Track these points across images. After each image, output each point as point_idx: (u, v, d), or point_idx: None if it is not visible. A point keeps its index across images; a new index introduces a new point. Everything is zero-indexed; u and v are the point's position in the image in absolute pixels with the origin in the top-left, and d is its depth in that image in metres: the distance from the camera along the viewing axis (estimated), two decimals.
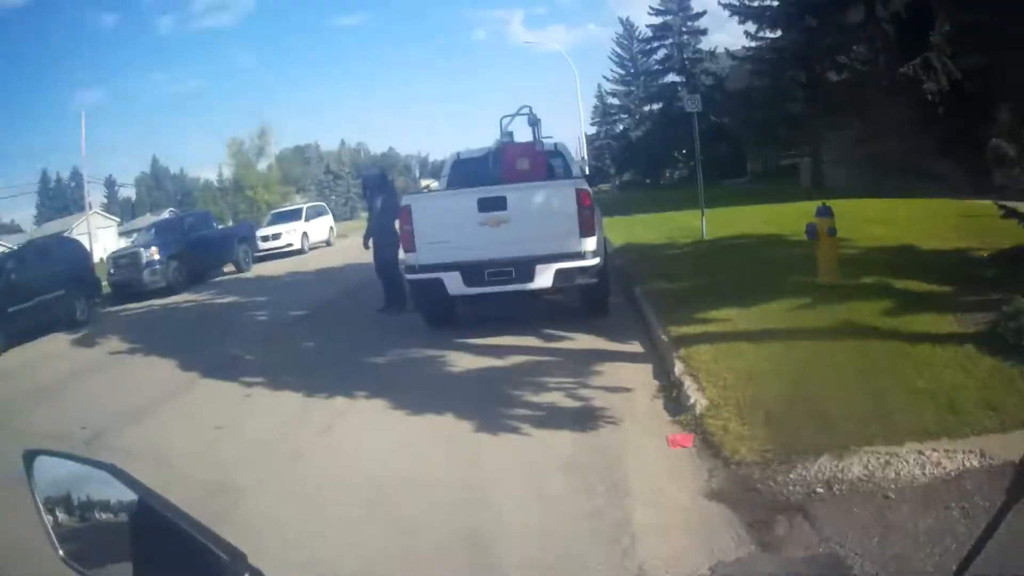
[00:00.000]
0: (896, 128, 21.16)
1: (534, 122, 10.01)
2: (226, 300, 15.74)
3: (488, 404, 5.78)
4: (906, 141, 20.43)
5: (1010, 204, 7.32)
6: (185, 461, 5.44)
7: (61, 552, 1.20)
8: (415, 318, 9.17)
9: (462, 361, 7.44)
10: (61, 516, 1.25)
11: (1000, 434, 3.92)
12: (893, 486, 3.66)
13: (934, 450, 3.82)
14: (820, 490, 3.73)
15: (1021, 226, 7.06)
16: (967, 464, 3.72)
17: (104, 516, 1.23)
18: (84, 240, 25.12)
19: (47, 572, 1.35)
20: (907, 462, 3.77)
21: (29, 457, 1.31)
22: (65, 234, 40.97)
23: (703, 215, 14.20)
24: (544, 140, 10.01)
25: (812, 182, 27.88)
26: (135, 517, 1.15)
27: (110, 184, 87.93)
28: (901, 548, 3.09)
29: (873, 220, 13.19)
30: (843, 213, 9.56)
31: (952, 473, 3.68)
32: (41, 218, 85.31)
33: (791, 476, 3.87)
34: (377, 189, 11.16)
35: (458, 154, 11.10)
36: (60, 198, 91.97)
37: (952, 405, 4.30)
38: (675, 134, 45.41)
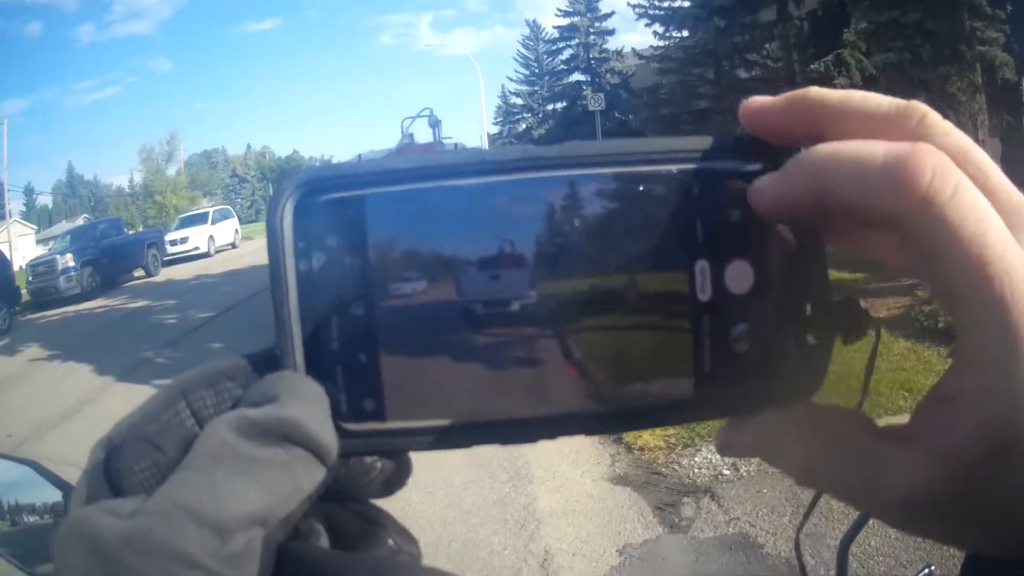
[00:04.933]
0: None
1: (435, 123, 10.29)
2: (138, 304, 15.78)
3: None
4: None
5: None
6: None
7: None
8: None
9: None
10: None
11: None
12: None
13: None
14: (727, 472, 3.64)
15: None
16: None
17: (32, 519, 1.31)
18: (4, 249, 24.71)
19: None
20: None
21: None
22: None
23: None
24: (445, 141, 10.16)
25: None
26: (60, 516, 1.18)
27: (29, 192, 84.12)
28: (814, 525, 3.00)
29: None
30: None
31: None
32: None
33: (696, 460, 3.79)
34: None
35: (360, 156, 11.21)
36: None
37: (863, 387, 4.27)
38: (578, 132, 45.97)
